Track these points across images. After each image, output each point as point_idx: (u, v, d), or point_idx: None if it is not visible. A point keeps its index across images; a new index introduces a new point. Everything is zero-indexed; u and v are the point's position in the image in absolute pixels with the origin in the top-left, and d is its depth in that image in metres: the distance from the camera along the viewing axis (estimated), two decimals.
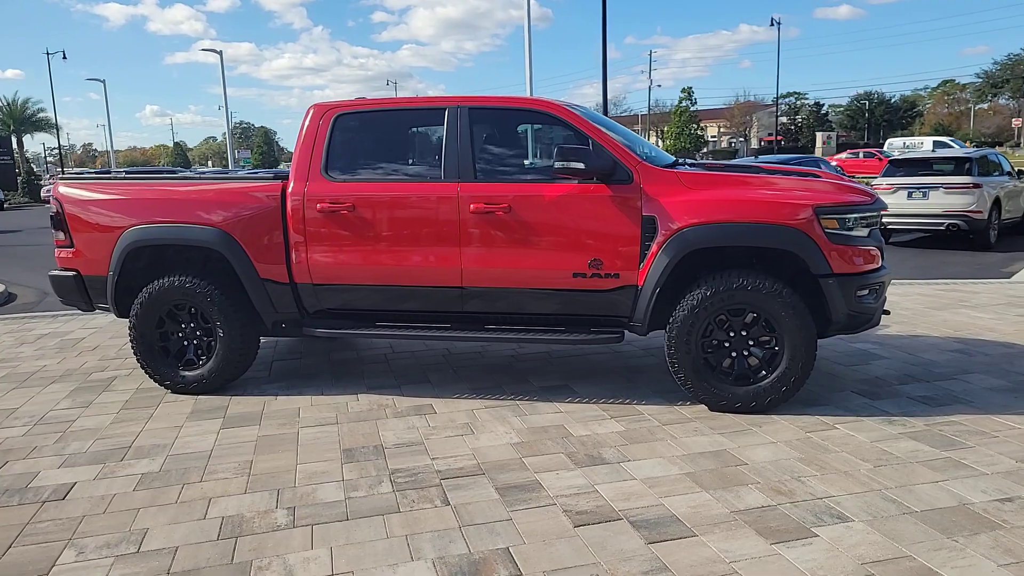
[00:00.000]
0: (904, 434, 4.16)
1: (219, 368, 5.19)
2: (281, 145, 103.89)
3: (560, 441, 4.21)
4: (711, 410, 4.62)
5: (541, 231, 4.70)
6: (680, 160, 5.31)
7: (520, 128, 5.49)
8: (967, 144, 52.88)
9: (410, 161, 5.25)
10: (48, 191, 39.05)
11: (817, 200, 4.46)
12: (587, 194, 4.64)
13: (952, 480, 3.56)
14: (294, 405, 4.97)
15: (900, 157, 13.76)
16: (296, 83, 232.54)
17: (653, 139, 68.58)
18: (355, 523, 3.30)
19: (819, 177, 5.03)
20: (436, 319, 5.07)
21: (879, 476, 3.62)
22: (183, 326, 5.28)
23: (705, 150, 63.66)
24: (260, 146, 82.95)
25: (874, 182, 13.12)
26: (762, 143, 72.75)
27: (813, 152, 60.65)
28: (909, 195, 12.41)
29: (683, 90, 67.04)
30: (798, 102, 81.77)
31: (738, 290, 4.45)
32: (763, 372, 4.55)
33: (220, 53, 36.31)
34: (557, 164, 4.52)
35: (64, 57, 54.54)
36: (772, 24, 54.01)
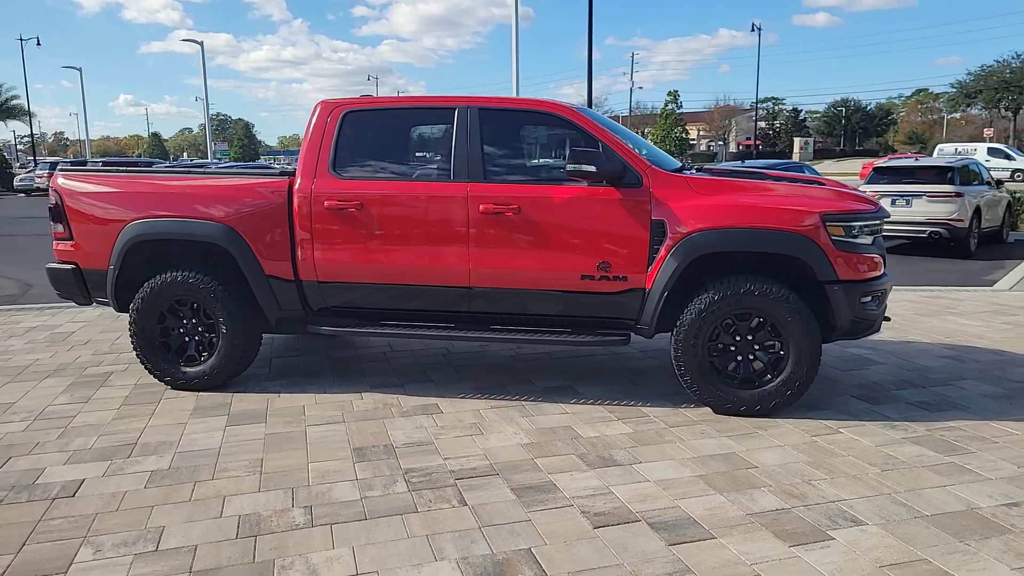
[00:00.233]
0: (907, 439, 4.24)
1: (221, 365, 5.15)
2: (258, 138, 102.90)
3: (570, 442, 4.24)
4: (716, 413, 4.67)
5: (550, 233, 4.72)
6: (686, 165, 5.35)
7: (529, 130, 5.50)
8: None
9: (419, 160, 5.25)
10: (24, 181, 38.40)
11: (824, 207, 4.53)
12: (597, 197, 4.67)
13: (958, 485, 3.64)
14: (298, 403, 4.95)
15: (885, 165, 13.97)
16: (274, 76, 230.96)
17: None
18: (374, 523, 3.30)
19: (823, 184, 5.10)
20: (441, 318, 5.07)
21: (887, 480, 3.69)
22: (184, 322, 5.23)
23: (687, 153, 64.12)
24: (240, 139, 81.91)
25: (859, 189, 13.30)
26: (740, 147, 73.50)
27: (791, 157, 61.31)
28: (893, 202, 12.60)
29: (669, 93, 67.55)
30: (775, 107, 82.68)
31: (745, 295, 4.50)
32: (768, 376, 4.60)
33: (201, 44, 35.94)
34: (569, 167, 4.54)
35: (39, 44, 53.62)
36: (753, 30, 54.53)
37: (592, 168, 4.53)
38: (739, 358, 4.65)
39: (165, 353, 5.22)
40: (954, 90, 73.11)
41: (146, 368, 5.24)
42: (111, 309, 7.89)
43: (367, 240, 4.91)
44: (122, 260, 5.12)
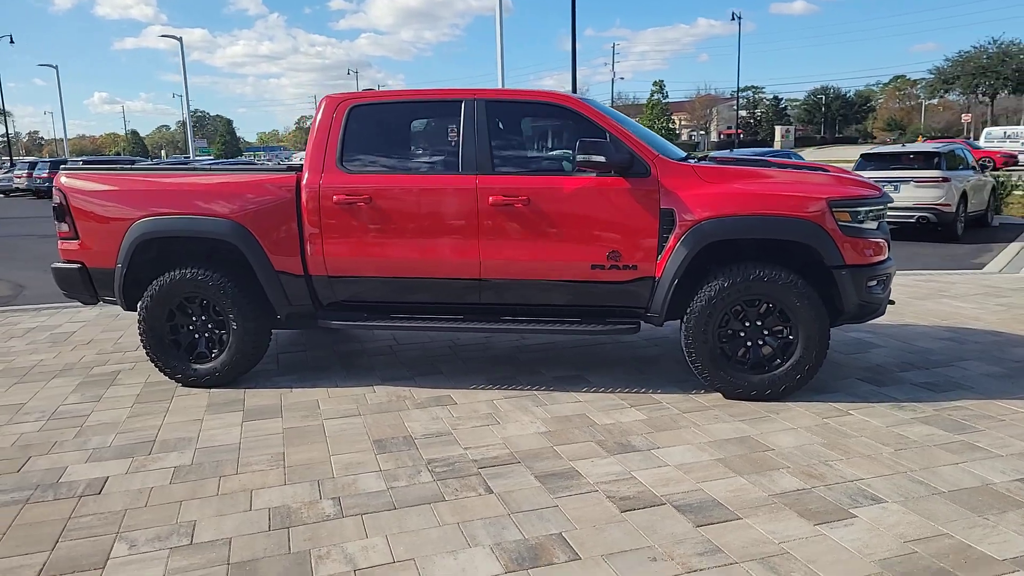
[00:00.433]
0: (916, 419, 4.33)
1: (232, 361, 5.15)
2: (237, 135, 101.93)
3: (587, 430, 4.29)
4: (726, 398, 4.74)
5: (560, 223, 4.77)
6: (690, 154, 5.41)
7: (536, 121, 5.54)
8: (919, 139, 54.30)
9: (426, 153, 5.27)
10: (1, 181, 37.86)
11: (830, 193, 4.60)
12: (605, 187, 4.71)
13: (971, 462, 3.73)
14: (311, 397, 4.97)
15: (872, 151, 14.12)
16: (251, 71, 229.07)
17: None
18: (404, 512, 3.34)
19: (827, 171, 5.17)
20: (451, 310, 5.11)
21: (902, 459, 3.77)
22: (194, 319, 5.23)
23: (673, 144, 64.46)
24: (222, 136, 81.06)
25: None
26: (721, 136, 73.84)
27: (772, 145, 61.70)
28: None
29: (655, 83, 67.88)
30: (755, 96, 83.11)
31: (755, 281, 4.57)
32: (778, 361, 4.68)
33: (180, 39, 35.57)
34: (579, 157, 4.58)
35: (12, 42, 52.83)
36: (733, 19, 54.73)
37: (601, 158, 4.57)
38: (748, 344, 4.72)
39: (175, 351, 5.22)
40: (932, 76, 73.84)
41: (156, 366, 5.24)
42: (109, 309, 7.91)
43: (376, 234, 4.93)
44: (130, 258, 5.11)
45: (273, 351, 6.12)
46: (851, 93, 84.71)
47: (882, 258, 4.76)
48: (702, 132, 78.71)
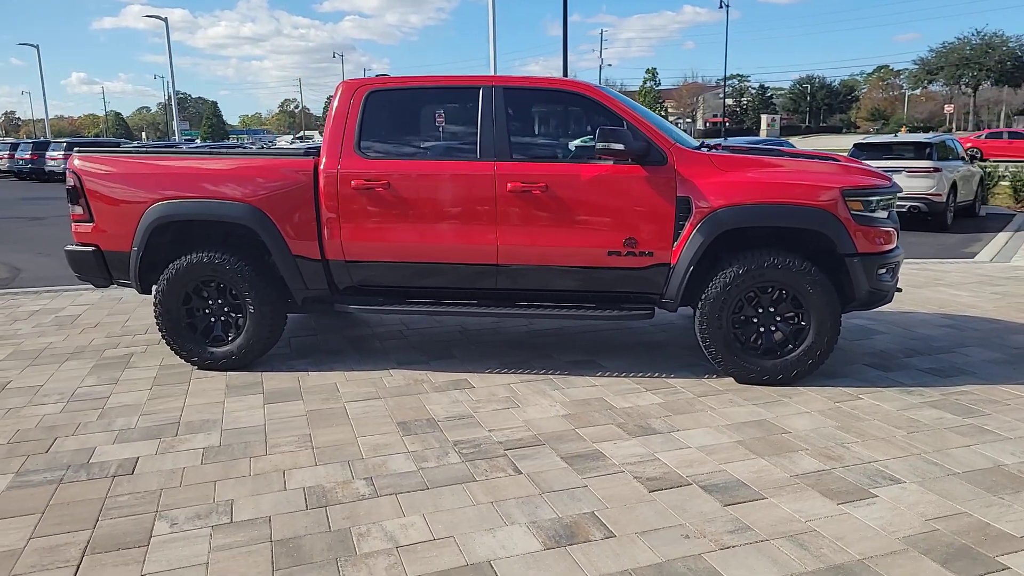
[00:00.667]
0: (924, 403, 4.45)
1: (249, 344, 5.19)
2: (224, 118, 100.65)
3: (606, 412, 4.38)
4: (739, 382, 4.85)
5: (578, 210, 4.83)
6: (703, 143, 5.48)
7: (553, 109, 5.59)
8: (902, 129, 54.84)
9: (444, 139, 5.31)
10: None
11: (843, 183, 4.70)
12: (623, 174, 4.78)
13: (981, 444, 3.85)
14: (329, 381, 5.02)
15: (864, 141, 14.28)
16: (233, 53, 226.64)
17: None
18: (437, 492, 3.42)
19: (837, 160, 5.27)
20: (466, 295, 5.17)
21: (915, 442, 3.90)
22: (210, 302, 5.25)
23: None
24: (209, 118, 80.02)
25: None
26: (708, 124, 74.06)
27: (758, 134, 62.00)
28: None
29: (647, 71, 68.05)
30: (741, 84, 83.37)
31: (769, 268, 4.67)
32: (790, 346, 4.79)
33: (165, 20, 35.11)
34: (599, 145, 4.64)
35: None
36: (721, 6, 54.74)
37: (620, 146, 4.64)
38: (761, 329, 4.83)
39: (191, 334, 5.25)
40: (916, 67, 74.35)
41: (172, 349, 5.26)
42: (111, 292, 7.91)
43: (394, 219, 4.97)
44: (146, 241, 5.12)
45: (285, 335, 6.12)
46: (836, 83, 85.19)
47: (892, 246, 4.88)
48: (688, 120, 78.92)
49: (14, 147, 34.04)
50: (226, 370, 5.22)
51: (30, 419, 4.39)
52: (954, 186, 13.11)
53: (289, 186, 5.04)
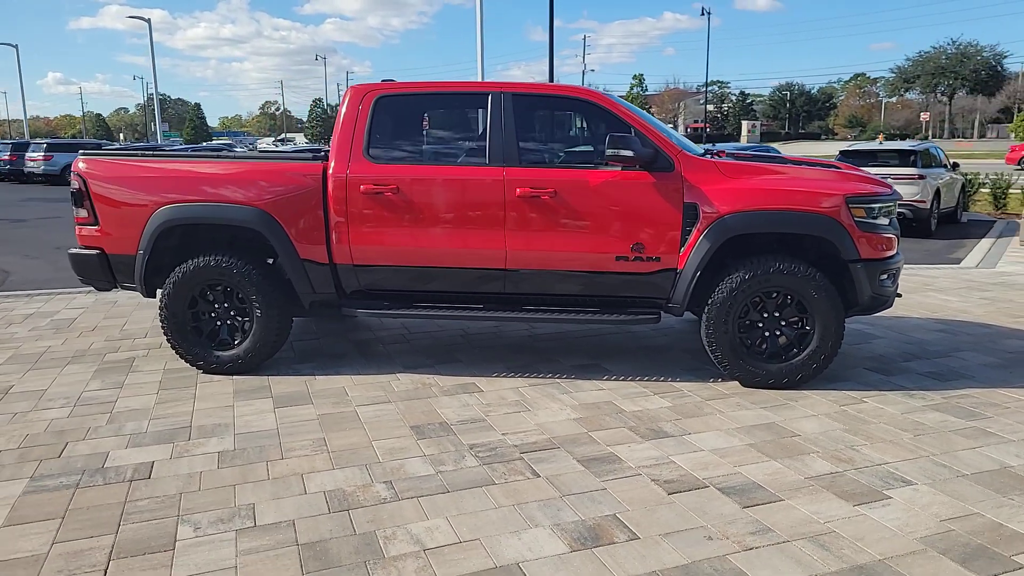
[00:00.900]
0: (927, 406, 4.54)
1: (256, 348, 5.18)
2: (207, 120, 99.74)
3: (616, 416, 4.43)
4: (744, 386, 4.92)
5: (585, 216, 4.88)
6: (707, 149, 5.56)
7: (561, 115, 5.64)
8: (879, 137, 55.57)
9: (453, 145, 5.34)
10: None
11: (847, 190, 4.79)
12: (630, 181, 4.83)
13: (986, 447, 3.94)
14: (336, 385, 5.02)
15: (849, 148, 14.48)
16: (213, 54, 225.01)
17: None
18: (458, 495, 3.44)
19: (838, 168, 5.36)
20: (474, 299, 5.19)
21: (922, 444, 3.98)
22: (216, 306, 5.24)
23: None
24: (191, 120, 79.19)
25: None
26: (689, 130, 74.55)
27: (739, 140, 62.59)
28: None
29: (634, 76, 68.56)
30: (721, 90, 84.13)
31: (775, 273, 4.74)
32: (794, 350, 4.86)
33: (148, 21, 34.79)
34: (608, 151, 4.70)
35: None
36: (703, 14, 55.23)
37: (629, 152, 4.69)
38: (766, 334, 4.90)
39: (197, 337, 5.23)
40: (893, 75, 75.44)
41: (178, 353, 5.24)
42: (106, 295, 7.86)
43: (403, 223, 4.99)
44: (152, 245, 5.10)
45: (288, 340, 6.12)
46: (814, 90, 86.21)
47: (893, 253, 4.97)
48: (670, 125, 79.49)
49: None
50: (232, 374, 5.21)
51: (38, 424, 4.35)
52: (938, 193, 13.33)
53: (298, 190, 5.04)
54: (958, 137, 69.66)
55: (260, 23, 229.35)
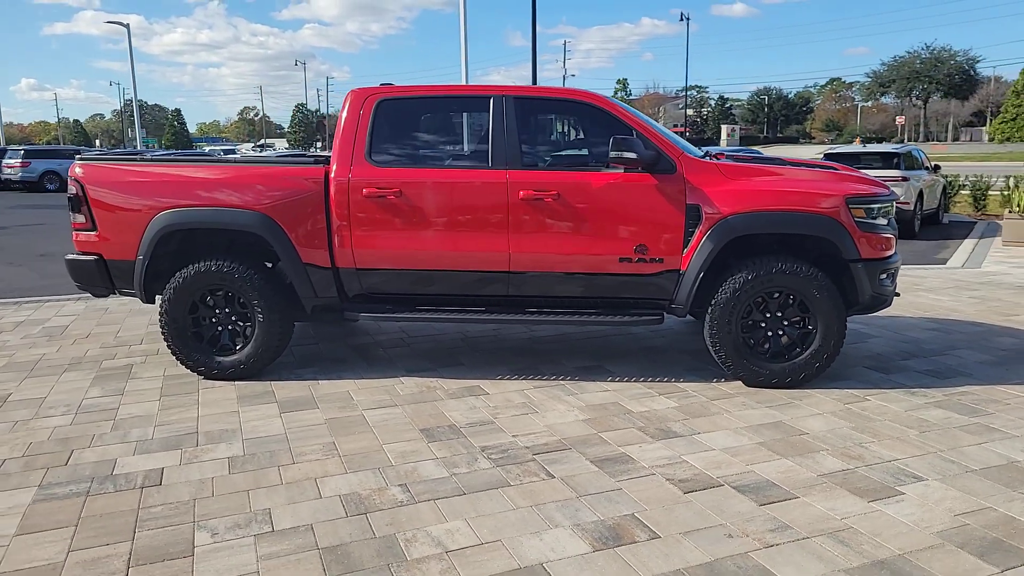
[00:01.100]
0: (930, 403, 4.60)
1: (258, 353, 5.14)
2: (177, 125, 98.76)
3: (624, 417, 4.44)
4: (747, 386, 4.95)
5: (589, 218, 4.90)
6: (706, 152, 5.61)
7: (563, 118, 5.66)
8: (856, 140, 56.27)
9: (455, 148, 5.35)
10: None
11: (847, 191, 4.85)
12: (633, 183, 4.86)
13: (991, 442, 4.00)
14: (340, 389, 5.00)
15: (834, 151, 14.64)
16: (190, 59, 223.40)
17: None
18: (475, 497, 3.43)
19: (836, 169, 5.42)
20: (477, 302, 5.19)
21: (929, 441, 4.03)
22: (217, 311, 5.19)
23: None
24: (172, 126, 78.41)
25: None
26: None
27: (718, 143, 63.07)
28: None
29: (618, 81, 68.94)
30: (700, 95, 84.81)
31: (777, 274, 4.78)
32: (797, 349, 4.91)
33: (127, 26, 34.45)
34: (612, 154, 4.72)
35: None
36: (681, 19, 55.65)
37: (633, 155, 4.72)
38: (769, 333, 4.94)
39: (198, 343, 5.18)
40: (869, 80, 76.42)
41: (178, 359, 5.19)
42: (96, 302, 7.79)
43: (407, 227, 4.99)
44: (152, 250, 5.05)
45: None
46: (792, 94, 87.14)
47: (891, 252, 5.04)
48: None
49: None
50: (234, 380, 5.17)
51: (41, 432, 4.29)
52: (921, 195, 13.51)
53: (300, 194, 5.02)
54: (932, 140, 70.67)
55: (238, 28, 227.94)
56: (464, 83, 20.21)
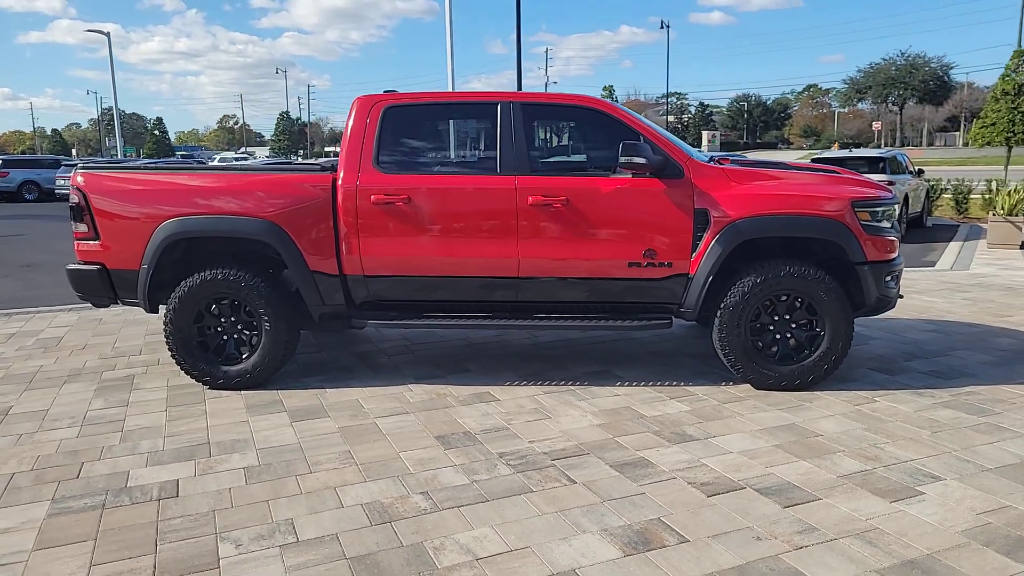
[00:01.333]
0: (938, 404, 4.65)
1: (264, 362, 5.09)
2: (155, 133, 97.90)
3: (638, 421, 4.44)
4: (756, 388, 4.97)
5: (597, 223, 4.90)
6: (712, 157, 5.64)
7: (570, 124, 5.67)
8: (835, 145, 56.93)
9: (462, 154, 5.34)
10: None
11: (853, 195, 4.89)
12: (641, 188, 4.87)
13: (1003, 441, 4.05)
14: (350, 397, 4.96)
15: (821, 155, 14.79)
16: (168, 68, 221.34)
17: None
18: (499, 503, 3.42)
19: (837, 173, 5.47)
20: (486, 308, 5.18)
21: (942, 441, 4.06)
22: (222, 320, 5.14)
23: None
24: (153, 135, 77.64)
25: None
26: None
27: (701, 149, 63.46)
28: None
29: (604, 87, 69.15)
30: (680, 102, 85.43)
31: (786, 277, 4.81)
32: (805, 352, 4.94)
33: (108, 35, 34.10)
34: (621, 159, 4.74)
35: None
36: (661, 27, 56.10)
37: (642, 160, 4.74)
38: (778, 336, 4.97)
39: (203, 352, 5.13)
40: (845, 86, 77.32)
41: (183, 368, 5.12)
42: (89, 312, 7.70)
43: (415, 233, 4.97)
44: (157, 259, 5.00)
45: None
46: (770, 101, 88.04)
47: (896, 255, 5.09)
48: None
49: None
50: (240, 389, 5.11)
51: (48, 444, 4.22)
52: (906, 199, 13.68)
53: (307, 201, 4.99)
54: (908, 145, 71.59)
55: (216, 37, 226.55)
56: (451, 90, 20.21)
